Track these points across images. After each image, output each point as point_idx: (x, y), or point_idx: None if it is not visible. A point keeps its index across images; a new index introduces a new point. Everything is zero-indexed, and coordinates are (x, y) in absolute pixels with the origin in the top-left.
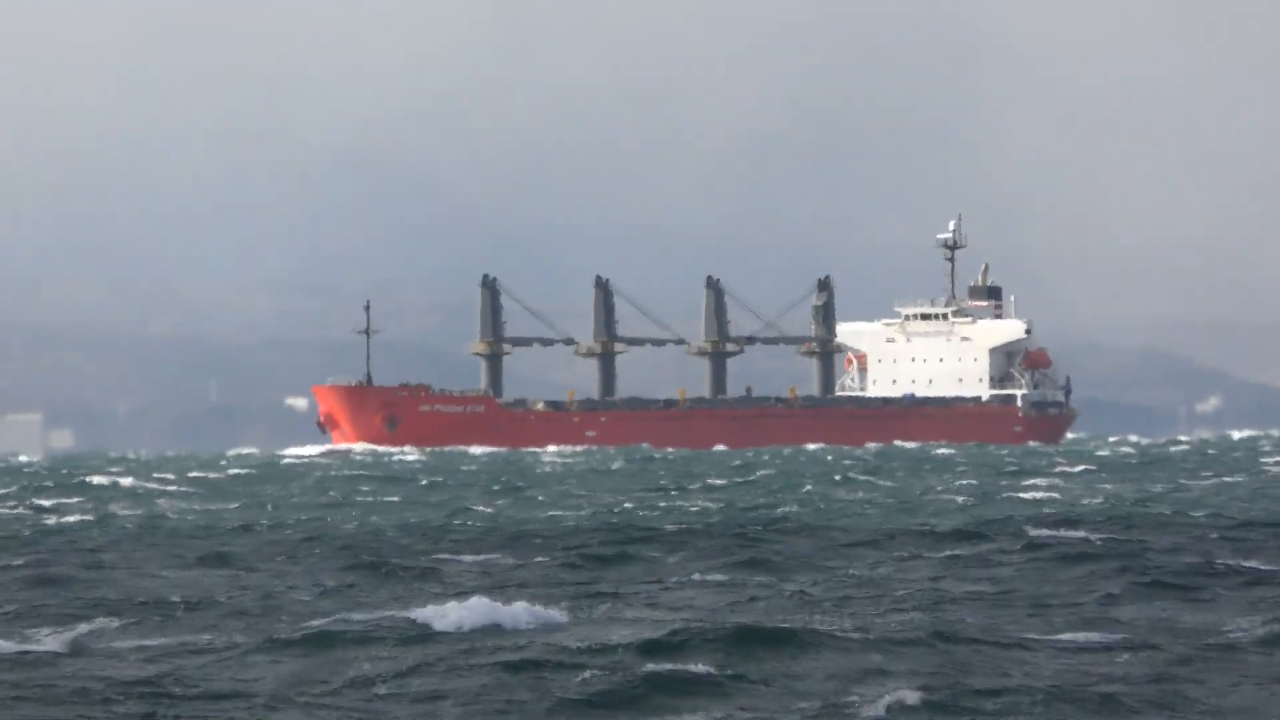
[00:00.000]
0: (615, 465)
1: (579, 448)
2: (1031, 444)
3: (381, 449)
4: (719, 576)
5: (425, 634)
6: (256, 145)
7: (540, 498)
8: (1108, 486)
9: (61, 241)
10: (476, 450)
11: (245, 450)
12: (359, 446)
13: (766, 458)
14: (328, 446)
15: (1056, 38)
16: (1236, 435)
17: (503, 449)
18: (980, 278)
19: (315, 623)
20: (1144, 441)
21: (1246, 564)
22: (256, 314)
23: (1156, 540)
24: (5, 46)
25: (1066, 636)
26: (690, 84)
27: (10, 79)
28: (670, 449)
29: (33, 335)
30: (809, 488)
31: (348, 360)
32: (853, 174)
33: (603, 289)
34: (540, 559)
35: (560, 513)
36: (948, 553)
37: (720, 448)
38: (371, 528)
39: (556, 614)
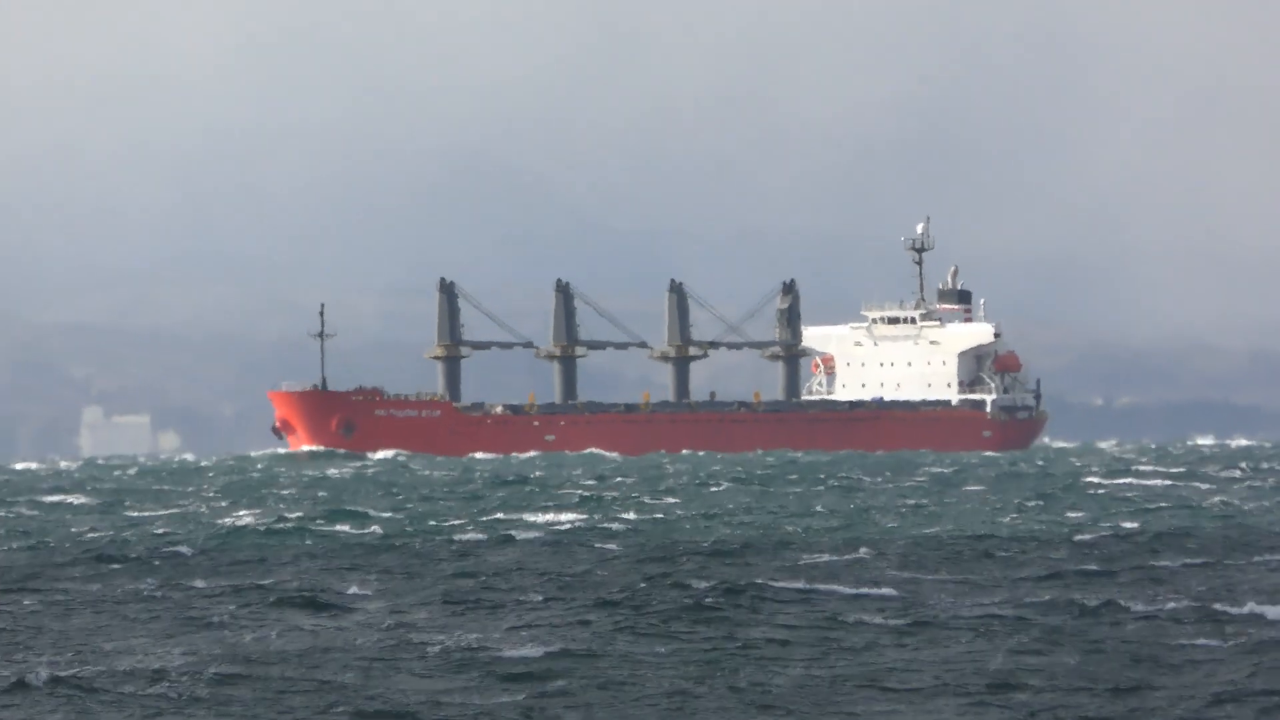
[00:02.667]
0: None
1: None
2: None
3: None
4: None
5: None
6: (367, 152)
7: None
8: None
9: (173, 248)
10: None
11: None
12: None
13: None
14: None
15: (1166, 34)
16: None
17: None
18: (949, 280)
19: None
20: (1129, 447)
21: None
22: (365, 318)
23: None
24: (120, 54)
25: None
26: (792, 89)
27: (123, 87)
28: (629, 455)
29: (144, 339)
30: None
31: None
32: (955, 178)
33: (563, 293)
34: None
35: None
36: None
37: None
38: None
39: None
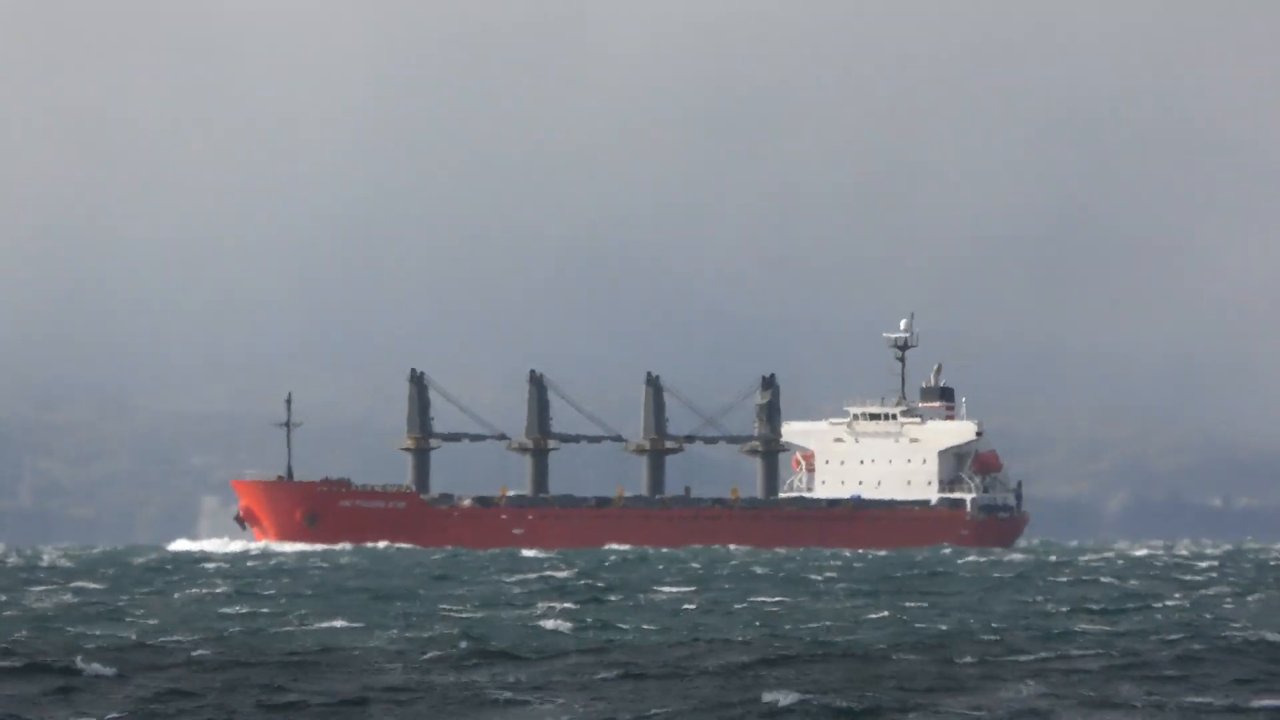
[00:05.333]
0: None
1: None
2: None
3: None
4: None
5: None
6: (491, 237)
7: None
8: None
9: (295, 334)
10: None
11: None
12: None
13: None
14: (250, 543)
15: None
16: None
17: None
18: (932, 378)
19: None
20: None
21: None
22: (491, 409)
23: None
24: (240, 143)
25: None
26: (922, 185)
27: (244, 174)
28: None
29: (265, 427)
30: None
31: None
32: (1084, 280)
33: (536, 384)
34: None
35: None
36: None
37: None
38: None
39: None
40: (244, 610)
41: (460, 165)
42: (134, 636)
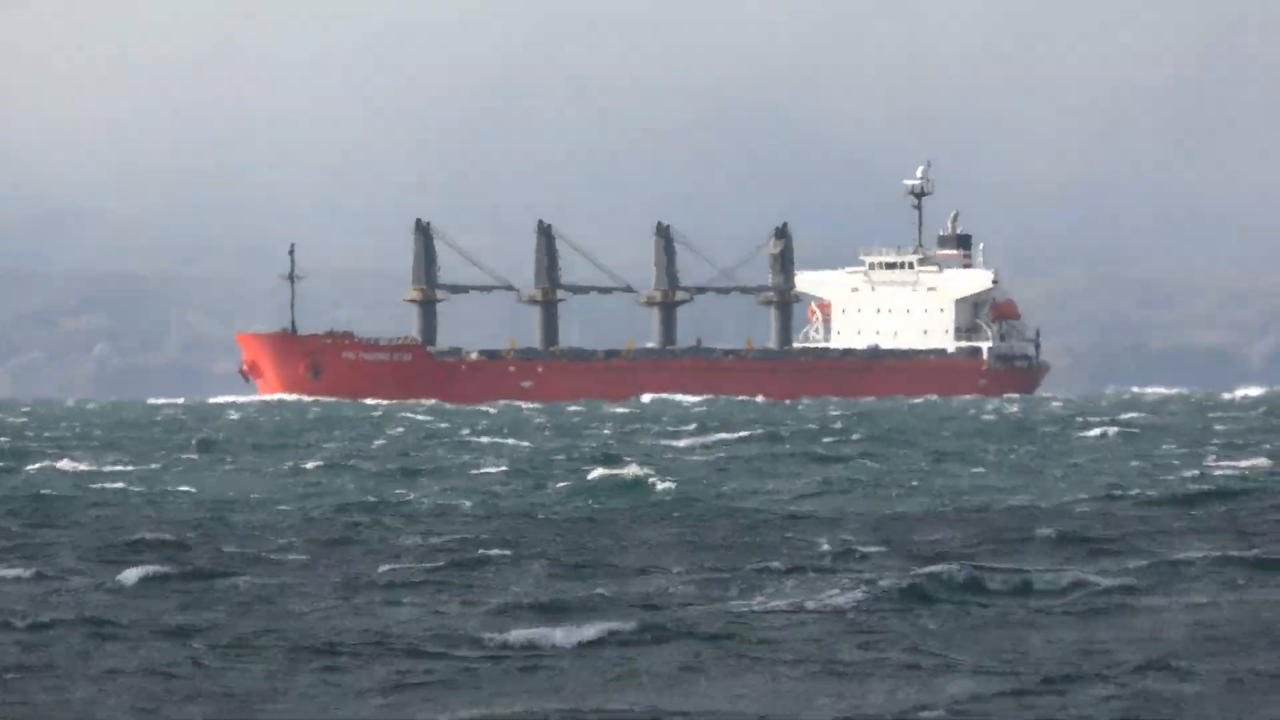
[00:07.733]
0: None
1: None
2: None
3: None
4: None
5: None
6: (620, 95)
7: None
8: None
9: (440, 197)
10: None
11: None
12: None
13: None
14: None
15: None
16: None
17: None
18: (950, 225)
19: None
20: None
21: None
22: (621, 258)
23: None
24: (369, 12)
25: None
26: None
27: (371, 44)
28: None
29: (402, 282)
30: None
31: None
32: (1230, 123)
33: (545, 234)
34: None
35: None
36: None
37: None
38: None
39: None
40: None
41: (594, 23)
42: None
